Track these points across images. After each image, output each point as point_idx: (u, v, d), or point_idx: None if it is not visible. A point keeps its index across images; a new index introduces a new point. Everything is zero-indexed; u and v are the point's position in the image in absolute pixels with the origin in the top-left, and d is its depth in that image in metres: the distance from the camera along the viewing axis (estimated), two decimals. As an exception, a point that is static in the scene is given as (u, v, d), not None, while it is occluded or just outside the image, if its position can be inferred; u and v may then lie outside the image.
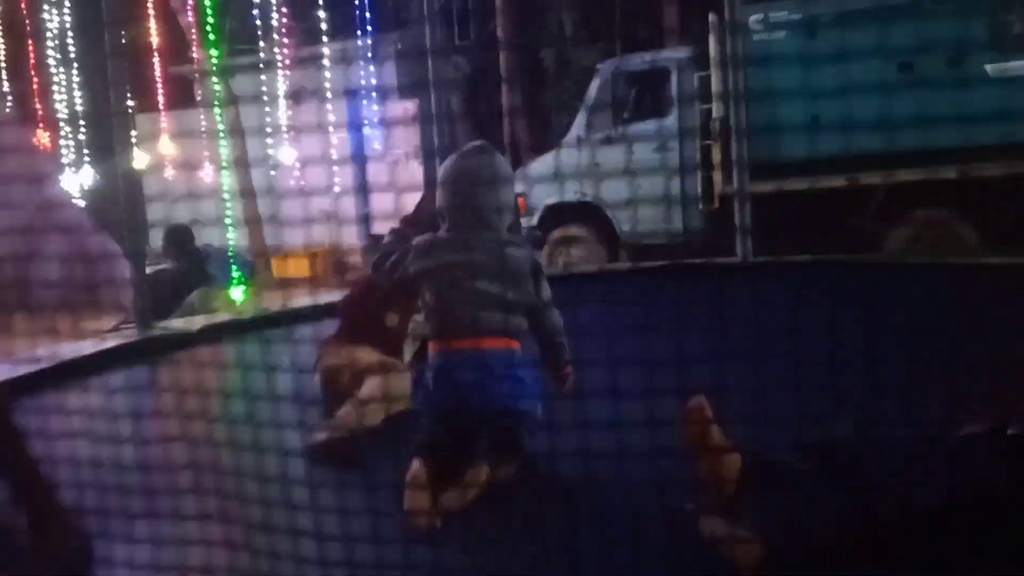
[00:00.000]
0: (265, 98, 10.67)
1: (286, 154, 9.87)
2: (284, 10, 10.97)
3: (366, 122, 12.01)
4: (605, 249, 8.30)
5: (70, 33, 9.36)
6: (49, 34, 9.89)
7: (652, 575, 1.72)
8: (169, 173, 9.05)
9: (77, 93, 10.20)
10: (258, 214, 10.10)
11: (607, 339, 1.82)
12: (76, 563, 1.90)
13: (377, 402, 2.46)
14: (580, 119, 8.57)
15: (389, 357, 2.81)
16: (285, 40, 10.97)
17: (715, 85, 7.37)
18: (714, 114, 7.50)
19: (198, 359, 2.04)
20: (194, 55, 10.35)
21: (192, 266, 5.84)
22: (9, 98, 10.82)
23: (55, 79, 10.10)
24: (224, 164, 8.09)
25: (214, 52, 9.26)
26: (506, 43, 12.43)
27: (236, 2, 11.47)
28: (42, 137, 10.19)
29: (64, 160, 10.21)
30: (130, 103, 8.18)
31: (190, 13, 9.94)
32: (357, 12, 11.82)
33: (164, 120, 10.71)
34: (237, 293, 6.42)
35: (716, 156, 7.52)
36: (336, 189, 11.05)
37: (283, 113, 10.69)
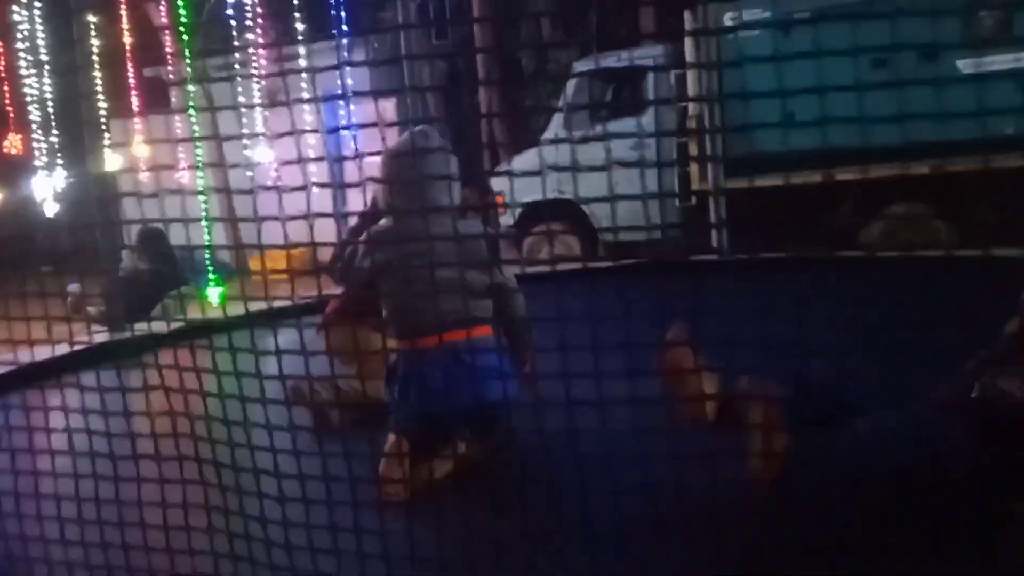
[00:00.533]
0: (240, 99, 10.58)
1: (262, 154, 9.78)
2: (259, 11, 10.89)
3: (343, 122, 11.95)
4: (584, 246, 8.31)
5: (41, 34, 9.23)
6: (20, 35, 9.75)
7: (632, 550, 1.74)
8: (144, 176, 8.95)
9: (49, 96, 10.07)
10: (235, 215, 10.01)
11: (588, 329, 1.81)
12: None
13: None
14: (557, 118, 8.58)
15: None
16: (260, 41, 10.88)
17: (691, 83, 7.41)
18: (690, 112, 7.53)
19: (171, 360, 2.02)
20: (168, 57, 10.24)
21: (167, 268, 5.80)
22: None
23: (27, 82, 9.97)
24: (199, 165, 8.01)
25: (188, 53, 9.16)
26: (483, 43, 12.41)
27: (211, 3, 11.38)
28: (13, 141, 10.07)
29: (37, 163, 10.07)
30: (103, 106, 8.10)
31: (163, 14, 9.84)
32: (333, 13, 11.76)
33: (138, 123, 10.59)
34: (213, 294, 6.37)
35: (692, 153, 7.56)
36: (313, 189, 10.95)
37: (259, 113, 10.60)
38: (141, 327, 4.24)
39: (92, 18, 7.29)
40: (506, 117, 12.55)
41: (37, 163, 10.06)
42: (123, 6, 9.37)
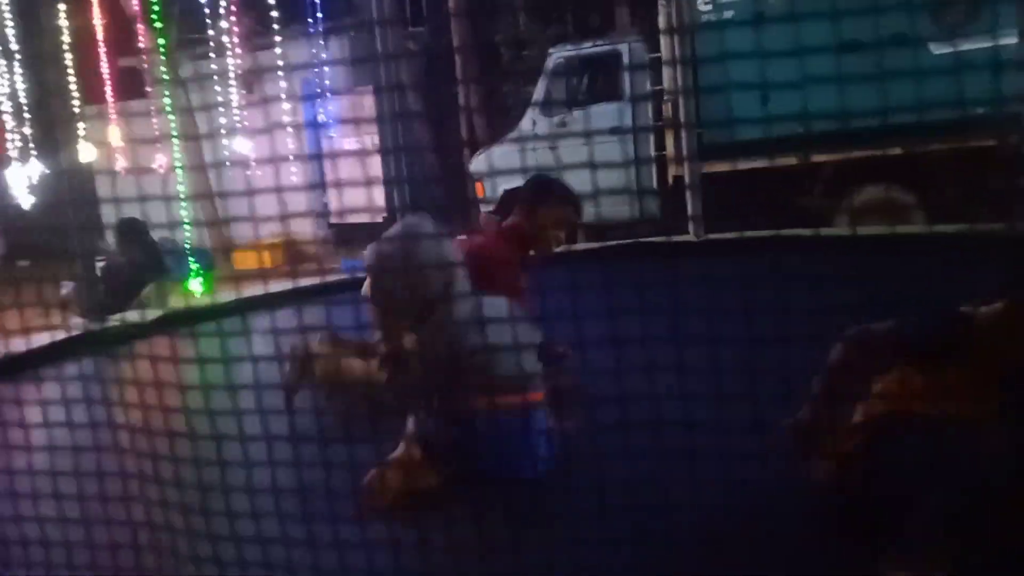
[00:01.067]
0: (216, 87, 10.52)
1: (240, 144, 9.75)
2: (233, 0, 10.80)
3: (321, 111, 11.91)
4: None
5: (7, 21, 9.10)
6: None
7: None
8: (120, 165, 8.89)
9: (20, 85, 9.95)
10: (215, 207, 9.98)
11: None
12: None
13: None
14: (534, 105, 8.62)
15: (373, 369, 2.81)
16: (235, 28, 10.80)
17: (666, 67, 7.45)
18: (665, 95, 7.58)
19: (152, 350, 2.03)
20: (141, 44, 10.15)
21: (147, 258, 5.78)
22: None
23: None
24: (176, 155, 7.97)
25: (161, 40, 9.09)
26: (459, 34, 12.38)
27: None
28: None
29: (10, 154, 9.97)
30: (76, 94, 8.03)
31: (136, 3, 9.74)
32: (308, 1, 11.70)
33: (113, 111, 10.50)
34: (195, 284, 6.37)
35: (668, 137, 7.62)
36: (293, 179, 10.95)
37: (235, 102, 10.54)
38: (121, 317, 4.26)
39: (62, 6, 7.22)
40: (484, 107, 12.54)
41: (10, 155, 9.96)
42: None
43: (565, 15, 12.45)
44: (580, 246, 6.78)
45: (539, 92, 8.65)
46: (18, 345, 3.34)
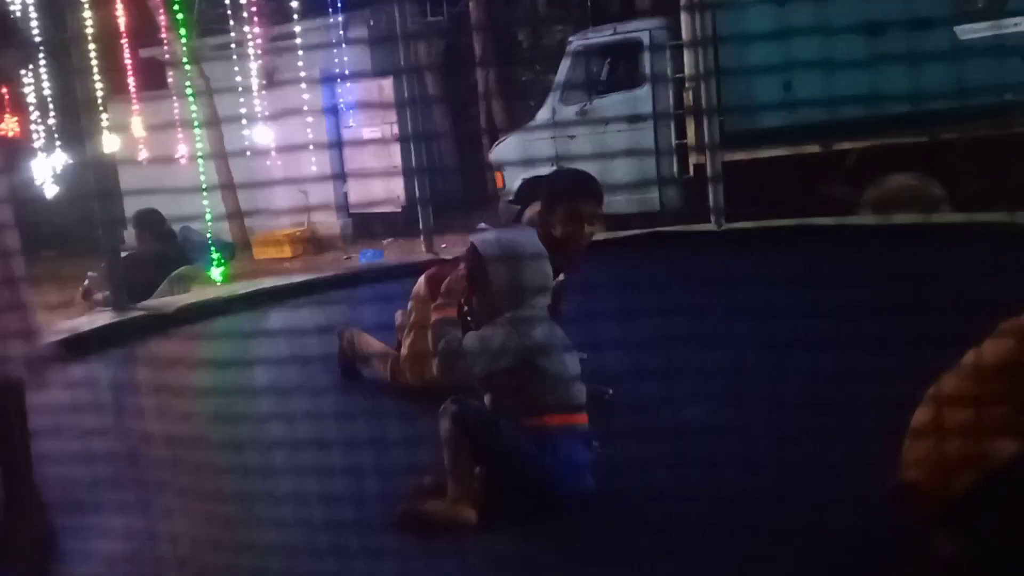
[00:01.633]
0: (237, 79, 10.56)
1: (261, 135, 9.79)
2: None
3: (341, 101, 11.93)
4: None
5: (33, 14, 9.18)
6: (12, 16, 9.70)
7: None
8: (142, 156, 8.97)
9: (45, 77, 10.05)
10: (236, 196, 10.04)
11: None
12: (41, 547, 2.03)
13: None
14: (554, 92, 8.58)
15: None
16: (256, 20, 10.83)
17: (687, 54, 7.39)
18: (687, 83, 7.52)
19: (176, 339, 2.05)
20: (163, 37, 10.21)
21: (167, 248, 5.82)
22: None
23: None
24: (198, 146, 8.03)
25: (183, 33, 9.15)
26: (478, 20, 12.35)
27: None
28: (10, 123, 10.06)
29: (35, 146, 10.07)
30: (99, 87, 8.08)
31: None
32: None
33: (135, 103, 10.57)
34: (216, 274, 6.41)
35: (689, 125, 7.56)
36: (313, 169, 10.98)
37: (256, 93, 10.58)
38: (146, 306, 4.30)
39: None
40: (503, 95, 12.52)
41: (35, 145, 10.06)
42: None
43: (585, 5, 12.38)
44: (599, 236, 6.75)
45: (559, 80, 8.60)
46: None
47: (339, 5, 11.75)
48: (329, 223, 12.06)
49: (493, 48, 12.86)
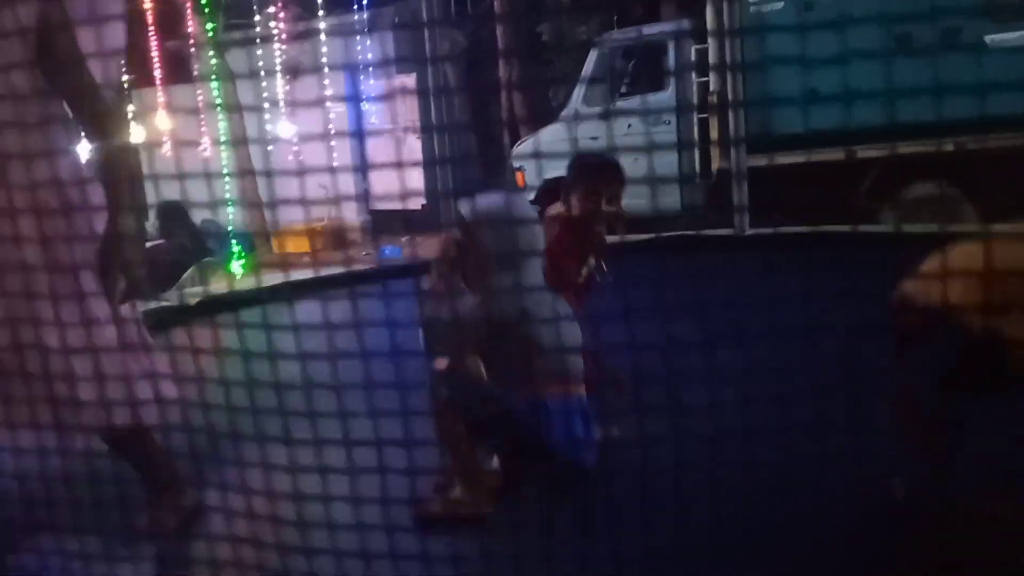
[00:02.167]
0: (262, 72, 10.61)
1: (284, 129, 9.84)
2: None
3: (364, 96, 11.96)
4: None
5: None
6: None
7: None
8: (166, 148, 9.02)
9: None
10: (257, 189, 10.09)
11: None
12: (189, 520, 2.20)
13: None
14: (577, 93, 8.56)
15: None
16: (281, 13, 10.89)
17: (712, 58, 7.35)
18: (711, 87, 7.49)
19: (195, 331, 2.05)
20: (189, 29, 10.28)
21: (189, 241, 5.87)
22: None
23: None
24: (222, 139, 8.07)
25: (209, 25, 9.21)
26: (503, 16, 12.34)
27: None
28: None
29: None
30: (126, 77, 8.14)
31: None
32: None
33: (161, 94, 10.65)
34: (236, 267, 6.45)
35: (713, 130, 7.52)
36: (335, 164, 11.00)
37: (280, 87, 10.64)
38: (167, 298, 4.33)
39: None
40: (525, 92, 12.50)
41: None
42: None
43: (610, 6, 12.35)
44: (621, 239, 6.73)
45: (582, 81, 8.59)
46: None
47: (364, 2, 11.79)
48: (349, 219, 12.09)
49: (516, 48, 12.84)
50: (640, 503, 1.60)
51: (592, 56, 8.58)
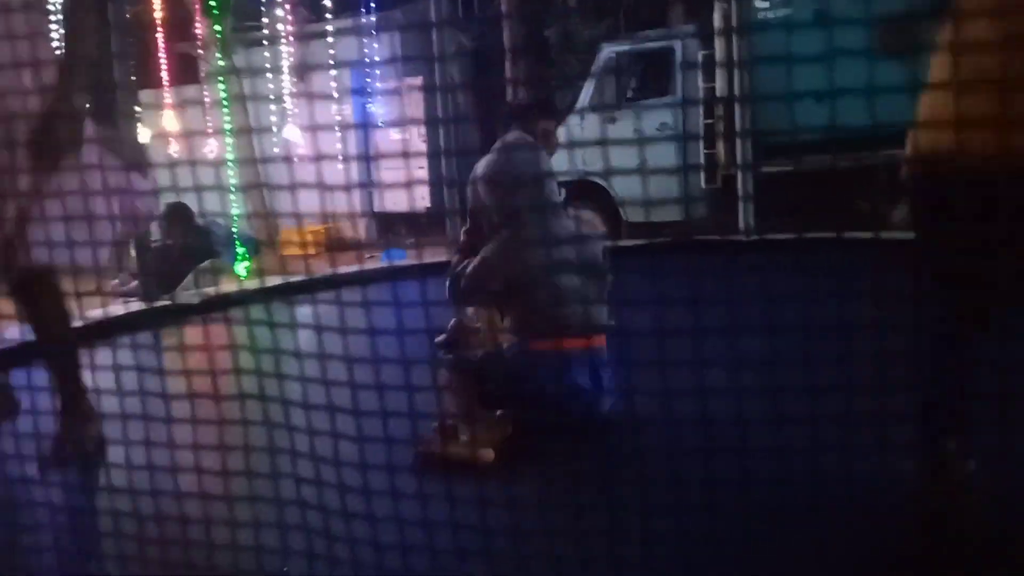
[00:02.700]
0: (269, 74, 10.65)
1: (291, 132, 9.85)
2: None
3: (370, 101, 11.98)
4: (607, 226, 8.31)
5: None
6: (51, 6, 9.83)
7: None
8: (173, 149, 9.03)
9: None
10: (263, 190, 10.09)
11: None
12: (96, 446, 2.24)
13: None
14: (584, 98, 8.57)
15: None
16: (289, 16, 10.92)
17: (719, 64, 7.36)
18: (718, 93, 7.49)
19: (201, 330, 2.06)
20: (198, 31, 10.30)
21: (195, 242, 5.88)
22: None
23: (57, 52, 10.07)
24: (228, 139, 8.09)
25: (218, 27, 9.22)
26: (510, 18, 12.34)
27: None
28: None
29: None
30: (134, 78, 8.18)
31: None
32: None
33: (168, 95, 10.69)
34: (241, 268, 6.45)
35: (719, 135, 7.52)
36: (340, 167, 10.98)
37: (288, 89, 10.66)
38: (173, 297, 4.33)
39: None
40: (532, 93, 12.49)
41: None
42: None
43: (618, 10, 12.35)
44: (627, 243, 6.74)
45: (589, 86, 8.60)
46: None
47: (372, 3, 11.81)
48: (353, 222, 12.10)
49: (524, 52, 12.85)
50: (639, 458, 1.63)
51: (599, 61, 8.59)
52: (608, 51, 8.59)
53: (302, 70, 11.13)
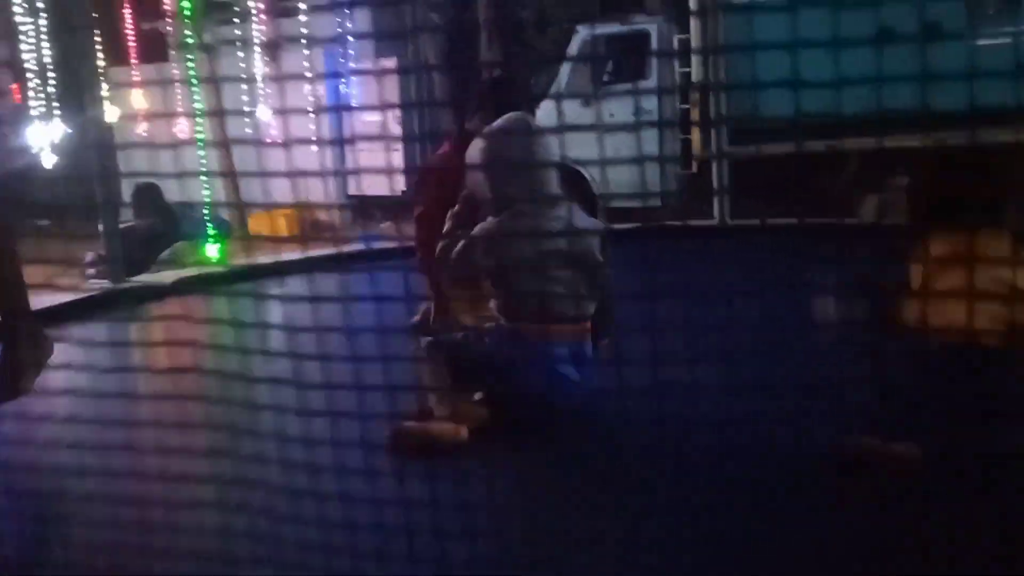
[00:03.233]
0: (240, 52, 10.48)
1: (262, 110, 9.71)
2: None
3: (343, 80, 11.84)
4: (583, 211, 8.30)
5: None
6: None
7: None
8: (141, 127, 8.88)
9: (45, 43, 9.93)
10: (234, 170, 9.96)
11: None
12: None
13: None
14: (558, 81, 8.53)
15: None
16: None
17: (694, 48, 7.35)
18: (693, 77, 7.49)
19: (171, 311, 2.03)
20: (166, 6, 10.11)
21: (164, 223, 5.80)
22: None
23: (22, 27, 9.83)
24: (199, 118, 7.95)
25: (187, 3, 9.05)
26: (484, 5, 12.25)
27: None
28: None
29: (33, 112, 9.96)
30: (100, 55, 8.01)
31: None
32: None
33: (136, 73, 10.48)
34: (212, 250, 6.36)
35: (694, 120, 7.53)
36: (313, 147, 10.87)
37: (259, 67, 10.50)
38: (142, 279, 4.27)
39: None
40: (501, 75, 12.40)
41: (33, 112, 9.96)
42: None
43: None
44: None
45: (564, 70, 8.55)
46: (38, 305, 3.34)
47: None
48: (326, 205, 11.98)
49: (498, 34, 12.75)
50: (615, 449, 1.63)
51: (574, 44, 8.55)
52: (583, 34, 8.56)
53: (274, 48, 10.97)
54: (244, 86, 9.85)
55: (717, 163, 6.26)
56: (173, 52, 12.09)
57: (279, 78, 10.35)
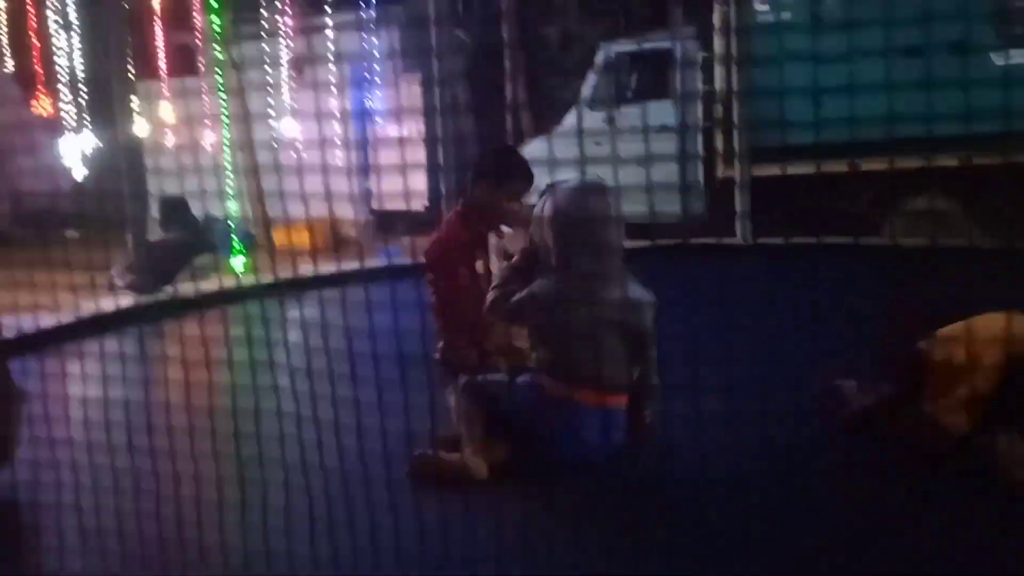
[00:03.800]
0: (268, 68, 10.62)
1: (288, 126, 9.82)
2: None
3: (368, 96, 11.94)
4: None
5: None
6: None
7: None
8: (170, 141, 9.02)
9: (78, 58, 10.12)
10: (260, 185, 10.08)
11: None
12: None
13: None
14: (582, 99, 8.56)
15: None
16: (288, 10, 10.88)
17: (718, 66, 7.36)
18: (716, 96, 7.49)
19: (198, 324, 2.06)
20: (196, 22, 10.28)
21: (191, 236, 5.87)
22: (10, 60, 10.76)
23: (56, 43, 10.03)
24: (225, 133, 8.07)
25: (216, 19, 9.19)
26: (509, 23, 12.32)
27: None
28: (43, 101, 10.15)
29: (65, 125, 10.15)
30: (131, 69, 8.16)
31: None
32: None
33: (166, 87, 10.65)
34: (237, 263, 6.44)
35: (718, 139, 7.52)
36: (338, 163, 10.97)
37: (285, 83, 10.64)
38: (169, 291, 4.33)
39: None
40: (531, 99, 12.47)
41: (65, 125, 10.14)
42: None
43: (617, 11, 12.33)
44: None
45: (587, 86, 8.58)
46: (66, 317, 3.41)
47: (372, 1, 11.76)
48: (349, 219, 12.06)
49: (523, 52, 12.82)
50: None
51: (597, 62, 8.58)
52: (607, 51, 8.59)
53: (300, 64, 11.10)
54: (271, 101, 9.97)
55: (739, 182, 6.25)
56: (202, 66, 12.27)
57: (305, 92, 10.47)
